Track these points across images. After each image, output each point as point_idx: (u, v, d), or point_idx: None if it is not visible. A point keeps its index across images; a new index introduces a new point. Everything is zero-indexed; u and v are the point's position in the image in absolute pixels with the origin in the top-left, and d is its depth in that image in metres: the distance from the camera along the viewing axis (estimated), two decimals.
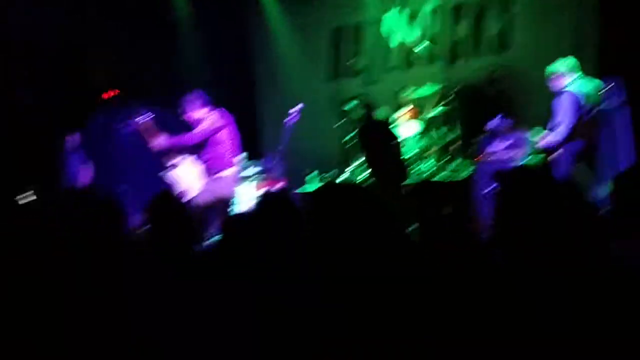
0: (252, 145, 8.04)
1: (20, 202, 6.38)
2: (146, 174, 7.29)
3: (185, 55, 8.68)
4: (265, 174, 7.81)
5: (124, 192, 7.23)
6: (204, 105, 6.09)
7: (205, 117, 6.00)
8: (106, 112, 8.27)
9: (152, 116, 6.18)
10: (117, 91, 8.17)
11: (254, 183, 7.54)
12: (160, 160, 6.62)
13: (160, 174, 6.34)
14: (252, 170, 7.66)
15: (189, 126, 6.22)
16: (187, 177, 6.26)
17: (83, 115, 8.00)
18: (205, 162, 6.09)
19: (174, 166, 6.26)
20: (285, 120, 7.11)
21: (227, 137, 6.07)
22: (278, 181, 7.72)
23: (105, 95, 8.18)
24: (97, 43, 8.09)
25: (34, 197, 6.47)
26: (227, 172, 6.14)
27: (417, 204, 2.87)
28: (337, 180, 7.56)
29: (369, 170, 6.59)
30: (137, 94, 7.99)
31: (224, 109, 6.10)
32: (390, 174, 6.42)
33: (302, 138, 7.72)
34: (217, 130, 6.00)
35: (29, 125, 7.64)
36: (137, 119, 6.50)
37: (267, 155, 8.12)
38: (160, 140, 6.02)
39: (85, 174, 7.83)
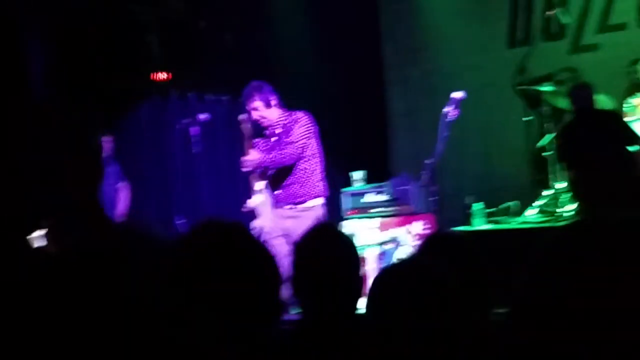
0: (376, 158, 6.48)
1: (33, 243, 4.70)
2: (217, 202, 6.30)
3: (278, 27, 6.93)
4: (396, 205, 5.86)
5: (183, 228, 5.91)
6: (279, 101, 4.89)
7: (294, 121, 4.82)
8: (154, 104, 6.39)
9: (247, 117, 4.99)
10: (169, 75, 6.20)
11: (376, 219, 5.82)
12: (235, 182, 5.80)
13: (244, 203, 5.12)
14: (373, 198, 5.95)
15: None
16: (264, 210, 5.09)
17: (120, 107, 6.10)
18: (283, 187, 4.89)
19: (258, 193, 5.04)
20: (442, 118, 4.95)
21: (317, 152, 4.93)
22: (418, 216, 5.61)
23: (154, 76, 6.16)
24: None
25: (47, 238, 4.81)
26: (315, 202, 4.90)
27: None
28: (519, 219, 5.49)
29: (578, 204, 4.88)
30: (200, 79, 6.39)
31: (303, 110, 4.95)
32: (621, 210, 4.33)
33: (464, 145, 6.00)
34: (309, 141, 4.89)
35: (41, 124, 5.42)
36: (202, 117, 5.39)
37: (399, 175, 6.20)
38: (256, 156, 4.83)
39: (123, 199, 6.13)
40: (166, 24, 6.38)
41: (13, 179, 5.58)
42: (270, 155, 4.77)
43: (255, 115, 4.73)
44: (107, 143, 6.02)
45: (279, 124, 4.76)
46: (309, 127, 4.75)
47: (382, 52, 7.19)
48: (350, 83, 6.56)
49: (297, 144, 4.67)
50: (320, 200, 4.87)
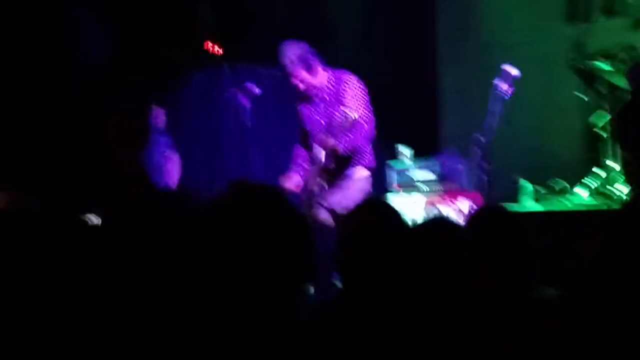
0: (424, 133, 6.38)
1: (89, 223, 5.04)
2: (266, 174, 6.05)
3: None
4: (444, 182, 5.90)
5: None
6: (321, 61, 4.60)
7: (346, 89, 4.56)
8: (206, 75, 6.42)
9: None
10: (221, 46, 6.25)
11: (423, 196, 5.75)
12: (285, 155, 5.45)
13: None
14: (420, 173, 5.85)
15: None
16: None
17: (172, 78, 6.20)
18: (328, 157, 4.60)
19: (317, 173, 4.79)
20: (494, 94, 4.80)
21: (368, 120, 4.62)
22: (466, 194, 5.61)
23: (206, 47, 6.19)
24: None
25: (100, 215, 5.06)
26: (361, 174, 4.68)
27: None
28: (570, 199, 5.35)
29: (631, 186, 4.73)
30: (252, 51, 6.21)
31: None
32: None
33: (515, 121, 5.67)
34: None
35: (95, 93, 5.86)
36: (253, 88, 5.23)
37: (447, 151, 6.21)
38: (330, 142, 4.49)
39: (172, 170, 6.22)
40: None
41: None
42: (345, 140, 4.51)
43: (302, 86, 4.53)
44: (158, 113, 6.16)
45: (327, 88, 4.56)
46: (364, 95, 4.54)
47: (435, 27, 7.05)
48: (402, 56, 6.50)
49: (362, 118, 4.48)
50: (366, 172, 4.69)
